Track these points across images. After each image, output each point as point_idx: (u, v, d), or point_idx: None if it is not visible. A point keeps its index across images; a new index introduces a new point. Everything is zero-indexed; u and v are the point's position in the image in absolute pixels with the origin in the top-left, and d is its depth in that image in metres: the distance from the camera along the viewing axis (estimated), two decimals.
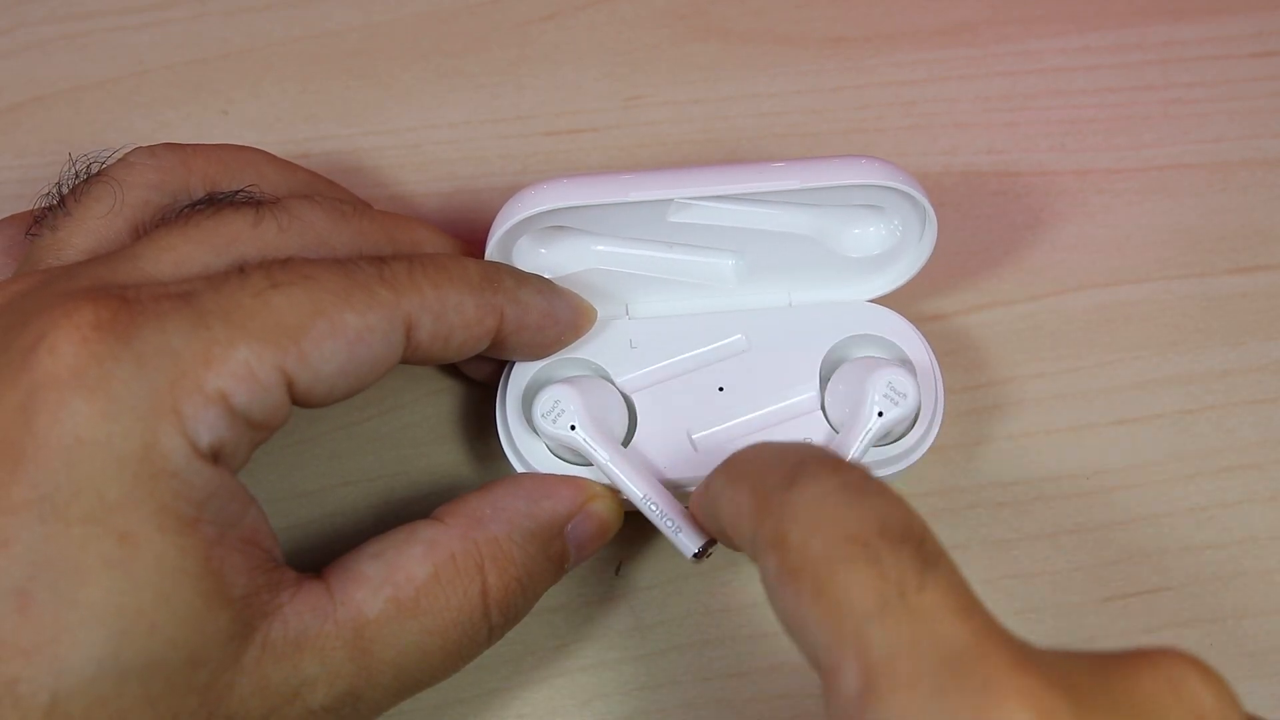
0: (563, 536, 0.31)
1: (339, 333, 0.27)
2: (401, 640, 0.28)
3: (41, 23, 0.41)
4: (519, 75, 0.40)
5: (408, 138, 0.39)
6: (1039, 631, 0.34)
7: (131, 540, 0.24)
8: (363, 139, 0.39)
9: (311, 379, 0.27)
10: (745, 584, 0.34)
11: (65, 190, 0.31)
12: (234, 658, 0.26)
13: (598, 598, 0.34)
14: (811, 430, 0.33)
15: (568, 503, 0.31)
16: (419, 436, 0.36)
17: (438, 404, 0.36)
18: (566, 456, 0.32)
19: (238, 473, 0.27)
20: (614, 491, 0.32)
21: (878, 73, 0.40)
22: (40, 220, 0.30)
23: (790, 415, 0.33)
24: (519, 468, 0.33)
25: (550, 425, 0.31)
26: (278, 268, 0.27)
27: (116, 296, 0.26)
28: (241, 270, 0.27)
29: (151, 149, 0.31)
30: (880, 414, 0.31)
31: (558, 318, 0.32)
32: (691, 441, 0.33)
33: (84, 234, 0.30)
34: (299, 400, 0.27)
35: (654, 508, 0.31)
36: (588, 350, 0.33)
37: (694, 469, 0.32)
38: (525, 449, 0.32)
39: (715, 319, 0.34)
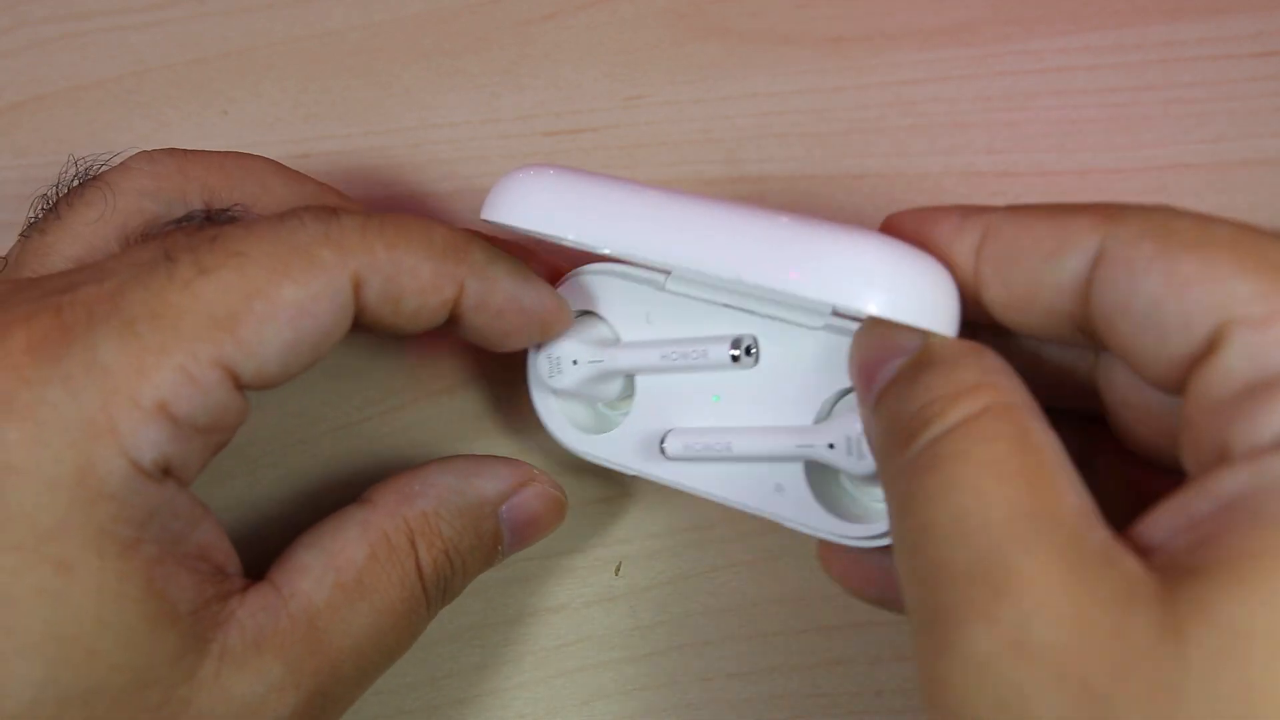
0: (495, 517, 0.30)
1: (278, 311, 0.26)
2: (355, 624, 0.28)
3: (41, 22, 0.41)
4: (519, 75, 0.40)
5: (408, 138, 0.39)
6: None
7: (68, 567, 0.24)
8: (363, 139, 0.39)
9: (256, 365, 0.26)
10: (745, 584, 0.34)
11: (62, 192, 0.30)
12: (187, 674, 0.25)
13: (598, 598, 0.34)
14: (783, 476, 0.30)
15: (502, 482, 0.31)
16: (419, 437, 0.36)
17: (438, 404, 0.36)
18: (588, 423, 0.33)
19: (196, 476, 0.26)
20: (554, 481, 0.32)
21: (878, 73, 0.40)
22: (32, 223, 0.30)
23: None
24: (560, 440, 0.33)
25: (560, 379, 0.31)
26: (205, 250, 0.26)
27: (52, 312, 0.25)
28: (168, 258, 0.26)
29: (151, 154, 0.31)
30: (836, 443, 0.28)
31: (523, 307, 0.30)
32: (662, 447, 0.31)
33: (71, 239, 0.29)
34: (250, 387, 0.26)
35: (677, 355, 0.30)
36: (604, 308, 0.32)
37: (662, 469, 0.31)
38: (555, 423, 0.33)
39: (743, 320, 0.30)
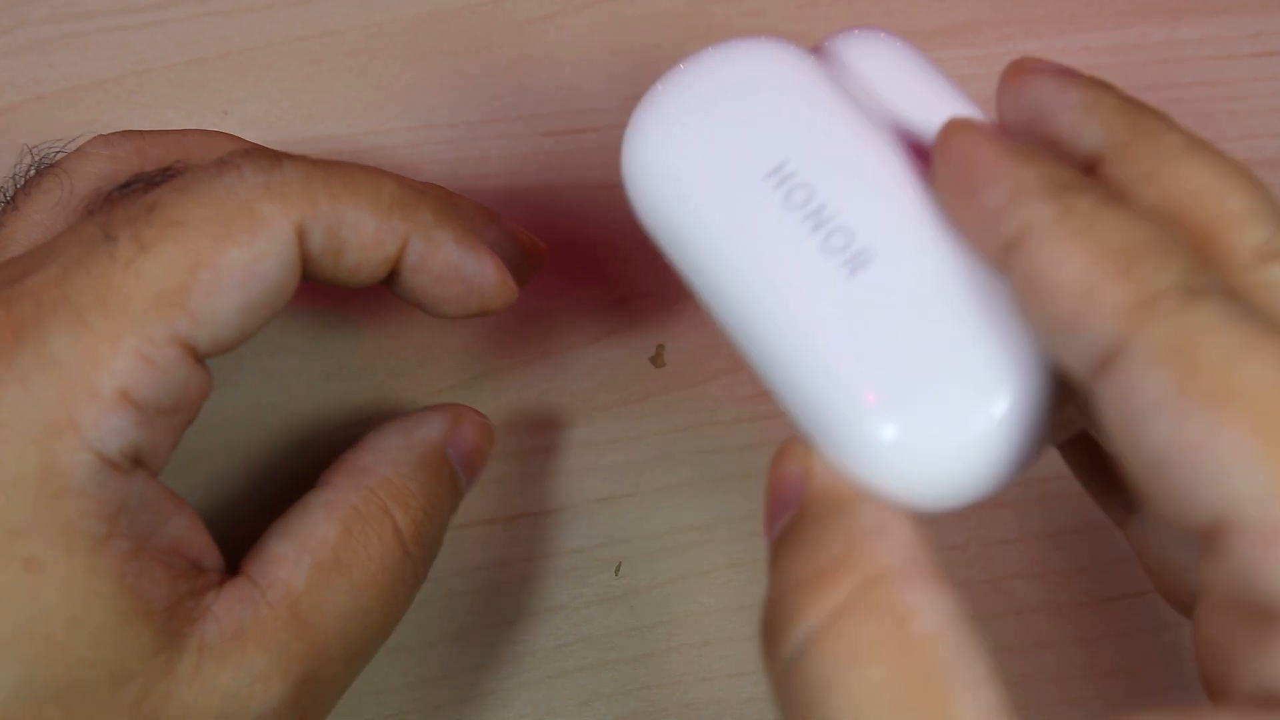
0: (447, 459, 0.31)
1: (225, 278, 0.25)
2: (338, 603, 0.27)
3: (41, 23, 0.41)
4: (519, 75, 0.40)
5: (408, 138, 0.39)
6: (1038, 631, 0.34)
7: (37, 565, 0.24)
8: (362, 139, 0.39)
9: (212, 334, 0.25)
10: (745, 584, 0.34)
11: (19, 184, 0.30)
12: (165, 669, 0.25)
13: (598, 598, 0.34)
14: None
15: (439, 425, 0.31)
16: None
17: (438, 403, 0.36)
18: None
19: (167, 463, 0.26)
20: (475, 410, 0.32)
21: None
22: None
23: None
24: None
25: None
26: (143, 222, 0.25)
27: (1, 308, 0.25)
28: (107, 235, 0.25)
29: (107, 138, 0.31)
30: None
31: (463, 276, 0.29)
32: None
33: (28, 228, 0.29)
34: (209, 355, 0.26)
35: None
36: None
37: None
38: None
39: None
